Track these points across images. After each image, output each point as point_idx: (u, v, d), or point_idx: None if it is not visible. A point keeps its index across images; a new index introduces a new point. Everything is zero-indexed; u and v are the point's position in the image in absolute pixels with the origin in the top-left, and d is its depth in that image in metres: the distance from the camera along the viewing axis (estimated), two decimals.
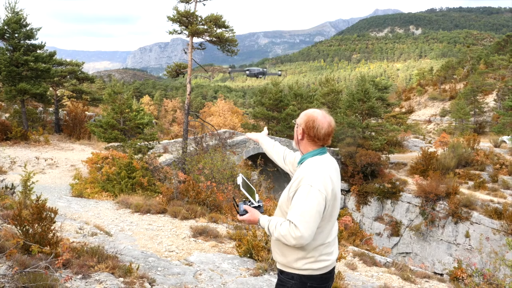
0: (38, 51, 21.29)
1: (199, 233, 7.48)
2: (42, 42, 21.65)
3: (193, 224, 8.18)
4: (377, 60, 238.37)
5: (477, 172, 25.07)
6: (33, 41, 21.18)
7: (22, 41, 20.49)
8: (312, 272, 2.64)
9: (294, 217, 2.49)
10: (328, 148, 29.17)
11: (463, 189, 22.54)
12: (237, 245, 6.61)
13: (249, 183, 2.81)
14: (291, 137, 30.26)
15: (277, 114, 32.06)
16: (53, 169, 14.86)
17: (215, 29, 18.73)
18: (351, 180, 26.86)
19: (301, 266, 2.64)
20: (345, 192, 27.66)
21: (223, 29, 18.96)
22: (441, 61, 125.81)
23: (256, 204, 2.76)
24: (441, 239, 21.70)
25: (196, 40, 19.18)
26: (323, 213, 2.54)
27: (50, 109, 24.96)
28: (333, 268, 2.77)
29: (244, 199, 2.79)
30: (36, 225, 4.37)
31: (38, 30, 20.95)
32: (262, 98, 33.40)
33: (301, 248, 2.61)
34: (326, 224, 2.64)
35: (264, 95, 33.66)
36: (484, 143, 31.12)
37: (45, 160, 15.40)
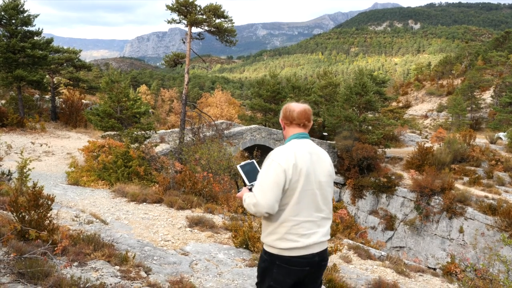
0: (35, 37, 21.12)
1: (195, 223, 7.48)
2: (39, 29, 21.46)
3: (189, 214, 8.18)
4: (375, 54, 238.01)
5: (472, 168, 25.17)
6: (30, 28, 21.01)
7: (19, 28, 20.31)
8: (279, 252, 2.72)
9: (255, 187, 2.73)
10: (325, 141, 29.22)
11: (458, 185, 22.63)
12: (233, 236, 6.61)
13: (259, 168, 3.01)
14: None
15: (275, 106, 31.98)
16: (49, 157, 14.80)
17: (214, 19, 18.63)
18: (347, 174, 26.92)
19: (270, 242, 2.77)
20: (340, 185, 27.72)
21: (222, 19, 18.85)
22: (439, 56, 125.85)
23: (249, 186, 2.96)
24: (435, 234, 21.83)
25: (194, 30, 19.08)
26: (283, 186, 2.64)
27: (47, 96, 24.82)
28: (311, 256, 2.75)
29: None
30: (33, 212, 4.35)
31: (36, 17, 20.77)
32: (259, 90, 33.27)
33: (269, 222, 2.77)
34: (292, 200, 2.69)
35: (261, 86, 33.52)
36: (480, 139, 31.21)
37: (41, 146, 15.33)
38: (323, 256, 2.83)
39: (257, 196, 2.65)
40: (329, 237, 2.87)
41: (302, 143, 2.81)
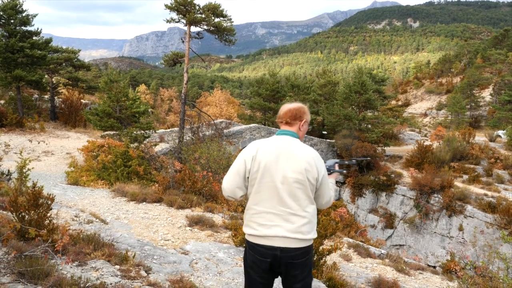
0: (34, 37, 21.10)
1: (195, 222, 7.49)
2: (38, 29, 21.45)
3: (189, 213, 8.19)
4: (374, 53, 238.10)
5: (471, 166, 25.17)
6: (29, 28, 21.00)
7: (18, 28, 20.29)
8: (247, 237, 2.96)
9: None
10: (324, 139, 29.23)
11: (458, 183, 22.64)
12: (233, 234, 6.61)
13: None
14: None
15: (274, 105, 31.95)
16: (48, 157, 14.81)
17: (213, 18, 18.62)
18: (347, 173, 26.92)
19: (243, 227, 3.02)
20: (340, 184, 27.73)
21: (221, 18, 18.85)
22: (438, 55, 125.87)
23: None
24: (435, 232, 21.84)
25: (193, 29, 19.07)
26: (244, 174, 2.90)
27: (46, 96, 24.81)
28: (272, 248, 2.83)
29: None
30: (32, 211, 4.34)
31: (34, 16, 20.75)
32: (259, 89, 33.24)
33: None
34: (253, 190, 2.90)
35: (261, 85, 33.49)
36: (480, 137, 31.22)
37: (38, 143, 15.29)
38: (289, 253, 2.82)
39: (223, 181, 2.96)
40: (301, 236, 2.82)
41: (276, 138, 2.97)
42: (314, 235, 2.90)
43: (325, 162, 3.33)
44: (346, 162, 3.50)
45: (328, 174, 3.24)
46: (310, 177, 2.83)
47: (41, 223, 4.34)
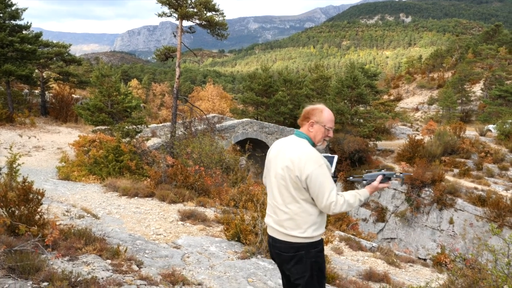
0: (24, 32, 20.85)
1: (187, 216, 7.49)
2: (27, 23, 21.20)
3: (181, 207, 8.19)
4: (366, 48, 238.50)
5: (462, 160, 25.38)
6: (18, 22, 20.75)
7: (7, 22, 20.04)
8: None
9: None
10: None
11: (448, 177, 22.82)
12: (225, 228, 6.64)
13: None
14: (279, 123, 30.25)
15: (266, 99, 31.94)
16: (39, 152, 14.69)
17: (205, 12, 18.52)
18: (339, 166, 27.01)
19: None
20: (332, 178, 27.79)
21: (213, 12, 18.76)
22: (430, 50, 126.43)
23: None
24: (426, 225, 22.02)
25: (185, 23, 18.98)
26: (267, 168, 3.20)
27: (36, 91, 24.57)
28: (269, 236, 3.11)
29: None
30: (23, 207, 4.32)
31: (24, 10, 20.50)
32: (251, 84, 33.18)
33: None
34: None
35: (253, 80, 33.43)
36: (470, 132, 31.48)
37: (29, 138, 15.18)
38: (276, 244, 3.00)
39: None
40: (283, 229, 2.92)
41: (286, 138, 3.14)
42: (302, 234, 2.86)
43: (367, 172, 3.32)
44: (395, 176, 3.37)
45: (366, 184, 3.25)
46: (291, 174, 2.88)
47: (31, 218, 4.32)
